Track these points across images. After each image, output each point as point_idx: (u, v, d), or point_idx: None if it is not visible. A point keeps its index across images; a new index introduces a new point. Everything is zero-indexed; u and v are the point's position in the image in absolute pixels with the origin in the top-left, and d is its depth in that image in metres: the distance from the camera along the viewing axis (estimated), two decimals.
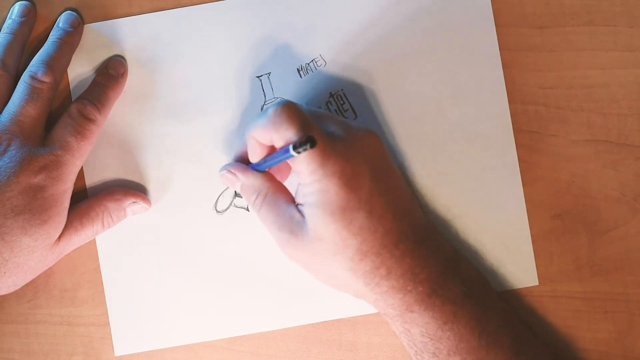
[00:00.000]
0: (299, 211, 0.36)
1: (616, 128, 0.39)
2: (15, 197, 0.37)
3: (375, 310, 0.42)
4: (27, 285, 0.44)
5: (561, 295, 0.40)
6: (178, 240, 0.43)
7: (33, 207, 0.37)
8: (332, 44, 0.42)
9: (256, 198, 0.38)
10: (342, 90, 0.41)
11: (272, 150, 0.37)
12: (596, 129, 0.39)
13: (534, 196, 0.40)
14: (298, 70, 0.42)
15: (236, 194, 0.42)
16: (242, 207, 0.42)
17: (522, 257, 0.40)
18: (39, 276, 0.44)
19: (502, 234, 0.40)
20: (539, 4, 0.40)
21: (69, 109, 0.40)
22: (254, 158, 0.38)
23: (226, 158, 0.42)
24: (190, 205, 0.42)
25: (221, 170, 0.40)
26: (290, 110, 0.34)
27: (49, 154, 0.38)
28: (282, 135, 0.34)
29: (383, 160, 0.37)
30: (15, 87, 0.40)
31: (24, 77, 0.39)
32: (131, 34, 0.42)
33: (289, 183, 0.40)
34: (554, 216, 0.40)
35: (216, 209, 0.43)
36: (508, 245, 0.40)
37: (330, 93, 0.42)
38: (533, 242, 0.40)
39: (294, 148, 0.31)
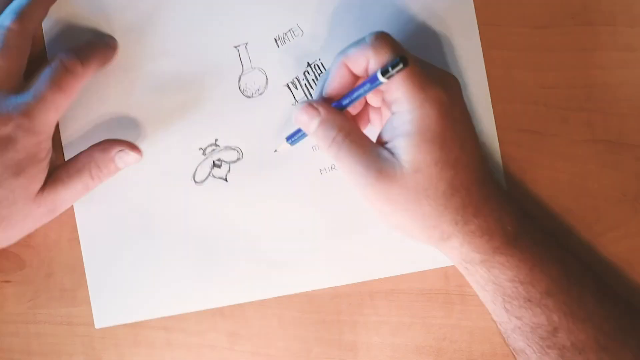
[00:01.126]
0: (387, 149, 0.35)
1: (616, 128, 0.39)
2: None
3: (374, 310, 0.42)
4: (27, 285, 0.44)
5: None
6: (157, 212, 0.43)
7: (5, 159, 0.37)
8: (309, 14, 0.42)
9: (337, 134, 0.35)
10: (319, 59, 0.42)
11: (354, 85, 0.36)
12: (596, 129, 0.39)
13: (534, 196, 0.40)
14: (275, 40, 0.42)
15: (214, 164, 0.42)
16: (220, 178, 0.43)
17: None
18: (38, 276, 0.44)
19: None
20: (539, 4, 0.40)
21: (51, 59, 0.38)
22: (334, 86, 0.36)
23: (204, 128, 0.42)
24: (168, 176, 0.43)
25: (300, 103, 0.37)
26: (389, 37, 0.34)
27: (21, 104, 0.37)
28: (380, 59, 0.34)
29: (463, 103, 0.36)
30: None
31: None
32: (112, 3, 0.42)
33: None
34: (554, 216, 0.40)
35: (194, 180, 0.43)
36: None
37: (308, 63, 0.42)
38: None
39: (384, 74, 0.31)
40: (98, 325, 0.44)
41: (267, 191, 0.42)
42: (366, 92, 0.35)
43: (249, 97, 0.42)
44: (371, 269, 0.42)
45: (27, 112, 0.37)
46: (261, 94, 0.42)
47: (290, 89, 0.42)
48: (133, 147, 0.41)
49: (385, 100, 0.35)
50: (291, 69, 0.42)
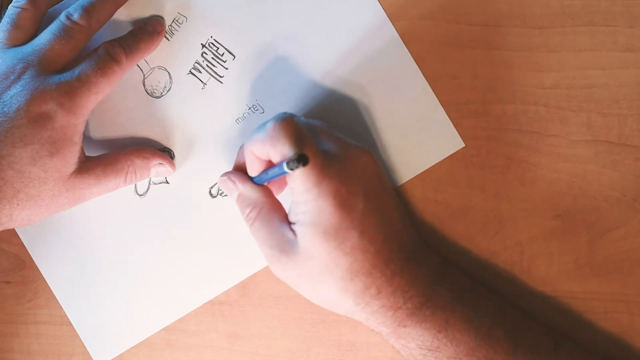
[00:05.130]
0: (292, 230, 0.36)
1: (616, 128, 0.39)
2: (25, 126, 0.36)
3: None
4: (27, 285, 0.44)
5: (561, 296, 0.40)
6: (110, 234, 0.44)
7: (42, 137, 0.37)
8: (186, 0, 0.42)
9: (250, 211, 0.38)
10: (211, 37, 0.42)
11: (269, 165, 0.37)
12: (596, 129, 0.39)
13: (534, 196, 0.40)
14: (164, 34, 0.42)
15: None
16: (161, 182, 0.43)
17: (439, 125, 0.41)
18: (38, 276, 0.44)
19: (412, 112, 0.41)
20: (539, 4, 0.40)
21: (97, 47, 0.39)
22: (251, 172, 0.38)
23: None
24: (112, 196, 0.43)
25: (222, 176, 0.40)
26: (288, 125, 0.34)
27: (64, 83, 0.37)
28: (279, 150, 0.34)
29: (377, 180, 0.37)
30: (43, 28, 0.39)
31: (60, 17, 0.39)
32: None
33: (284, 198, 0.40)
34: (554, 216, 0.40)
35: (137, 193, 0.43)
36: (421, 119, 0.41)
37: (201, 44, 0.42)
38: (533, 242, 0.40)
39: (288, 165, 0.32)
40: None
41: (207, 186, 0.43)
42: (275, 176, 0.36)
43: (158, 97, 0.43)
44: None
45: (69, 92, 0.37)
46: (169, 90, 0.43)
47: (194, 75, 0.42)
48: (170, 161, 0.42)
49: (289, 185, 0.36)
50: (189, 56, 0.42)
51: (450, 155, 0.41)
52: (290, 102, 0.42)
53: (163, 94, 0.43)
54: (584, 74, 0.39)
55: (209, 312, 0.44)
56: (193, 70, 0.42)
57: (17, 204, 0.37)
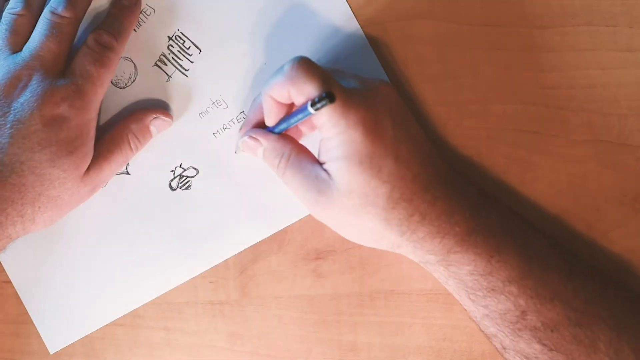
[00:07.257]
0: (324, 170, 0.36)
1: (616, 128, 0.39)
2: (41, 130, 0.37)
3: (374, 310, 0.42)
4: None
5: None
6: (71, 224, 0.44)
7: (59, 138, 0.37)
8: None
9: (280, 161, 0.38)
10: (178, 30, 0.42)
11: (290, 109, 0.37)
12: (596, 129, 0.39)
13: (534, 196, 0.40)
14: None
15: None
16: (122, 173, 0.43)
17: None
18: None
19: None
20: (539, 4, 0.40)
21: (86, 40, 0.40)
22: (271, 120, 0.38)
23: None
24: None
25: (242, 137, 0.40)
26: (307, 64, 0.34)
27: (70, 84, 0.38)
28: (301, 89, 0.34)
29: (401, 109, 0.37)
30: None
31: (45, 13, 0.39)
32: None
33: (309, 144, 0.40)
34: (554, 216, 0.40)
35: None
36: None
37: (168, 37, 0.42)
38: None
39: (312, 105, 0.31)
40: (53, 350, 0.45)
41: (167, 178, 0.43)
42: (299, 120, 0.35)
43: (123, 87, 0.43)
44: (282, 217, 0.42)
45: (79, 91, 0.38)
46: (134, 81, 0.43)
47: (160, 67, 0.43)
48: (164, 112, 0.42)
49: (314, 124, 0.36)
50: (155, 48, 0.43)
51: (450, 157, 0.41)
52: None
53: (128, 84, 0.43)
54: (584, 74, 0.39)
55: (209, 312, 0.44)
56: (159, 63, 0.43)
57: (39, 207, 0.38)
